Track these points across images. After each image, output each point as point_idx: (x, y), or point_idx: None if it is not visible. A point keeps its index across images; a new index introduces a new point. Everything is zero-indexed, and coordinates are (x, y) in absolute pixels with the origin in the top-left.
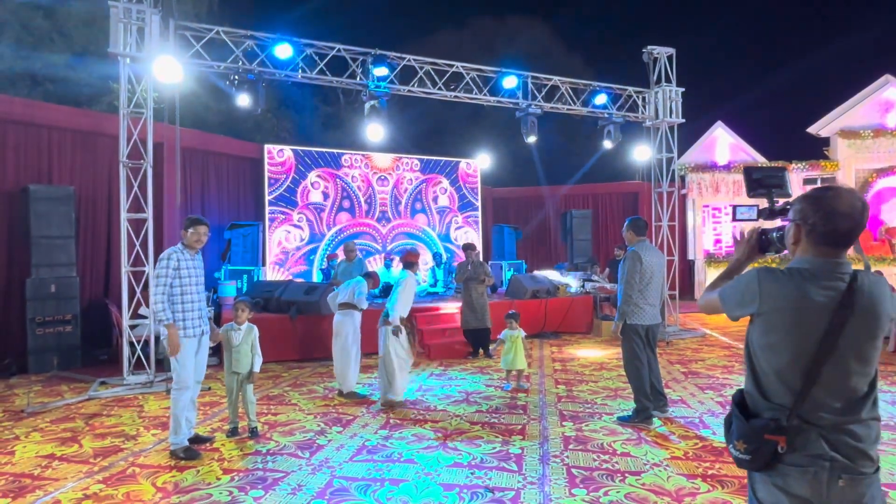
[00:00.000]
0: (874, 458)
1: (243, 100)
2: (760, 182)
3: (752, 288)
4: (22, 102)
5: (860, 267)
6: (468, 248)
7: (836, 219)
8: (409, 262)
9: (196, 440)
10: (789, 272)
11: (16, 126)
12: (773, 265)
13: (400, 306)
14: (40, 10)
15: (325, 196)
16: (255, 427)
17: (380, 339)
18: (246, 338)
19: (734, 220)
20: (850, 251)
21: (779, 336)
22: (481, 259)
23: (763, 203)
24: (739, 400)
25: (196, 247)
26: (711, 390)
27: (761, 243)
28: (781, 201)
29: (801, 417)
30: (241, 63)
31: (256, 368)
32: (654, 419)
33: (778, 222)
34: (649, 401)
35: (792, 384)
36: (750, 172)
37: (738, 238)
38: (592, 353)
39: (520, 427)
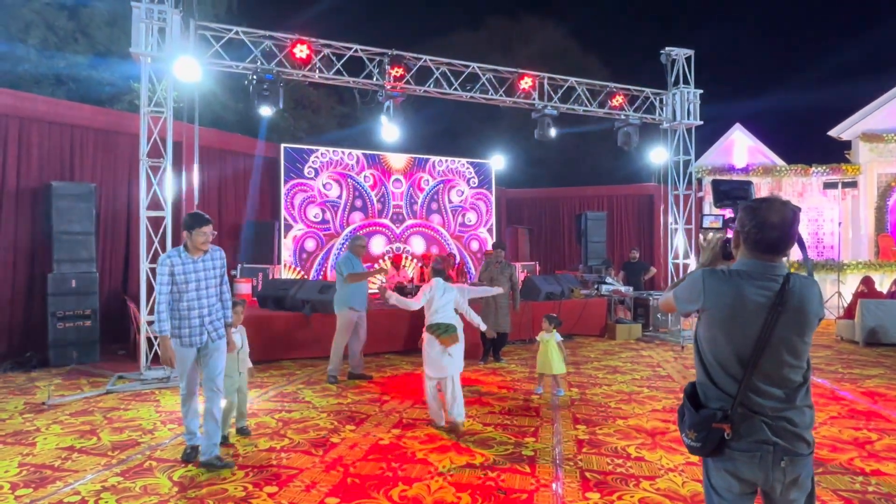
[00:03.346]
0: (810, 441)
1: (260, 101)
2: (727, 194)
3: (697, 286)
4: (45, 101)
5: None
6: (497, 247)
7: (766, 229)
8: (438, 269)
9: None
10: (729, 273)
11: (39, 124)
12: None
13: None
14: (65, 10)
15: (338, 195)
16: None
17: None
18: (243, 339)
19: (701, 227)
20: (790, 256)
21: (720, 330)
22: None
23: (729, 213)
24: (691, 392)
25: (203, 249)
26: None
27: (724, 250)
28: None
29: (746, 406)
30: (259, 63)
31: (250, 364)
32: None
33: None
34: None
35: (734, 374)
36: (718, 185)
37: (703, 245)
38: (606, 356)
39: (532, 429)
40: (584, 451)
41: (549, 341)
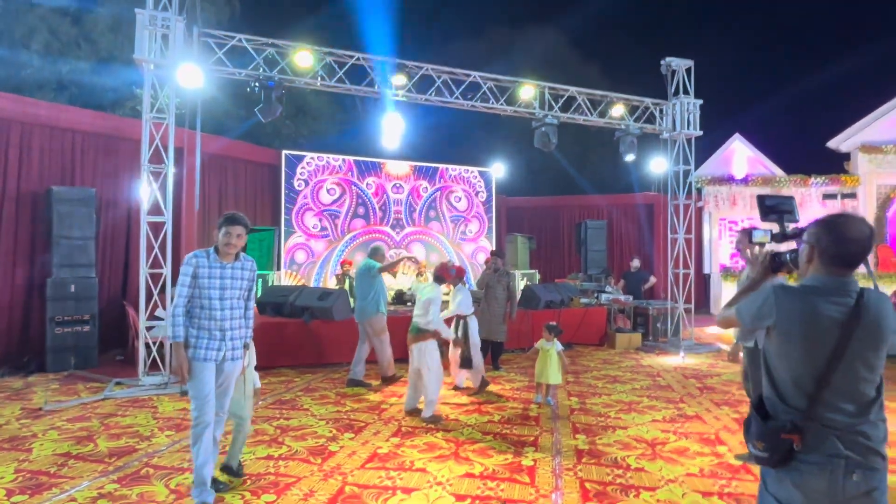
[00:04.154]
0: (884, 454)
1: (262, 108)
2: (773, 209)
3: (769, 303)
4: (47, 106)
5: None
6: (495, 255)
7: (846, 243)
8: (439, 276)
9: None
10: (802, 289)
11: (41, 129)
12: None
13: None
14: (68, 16)
15: (340, 203)
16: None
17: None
18: (252, 354)
19: (750, 241)
20: (862, 269)
21: (793, 346)
22: (508, 269)
23: (776, 227)
24: (758, 404)
25: (229, 251)
26: (727, 406)
27: (774, 264)
28: (792, 226)
29: (817, 420)
30: (261, 70)
31: (258, 384)
32: None
33: (785, 245)
34: None
35: (806, 389)
36: (763, 200)
37: (752, 260)
38: (605, 365)
39: (532, 438)
40: (583, 462)
41: (550, 350)
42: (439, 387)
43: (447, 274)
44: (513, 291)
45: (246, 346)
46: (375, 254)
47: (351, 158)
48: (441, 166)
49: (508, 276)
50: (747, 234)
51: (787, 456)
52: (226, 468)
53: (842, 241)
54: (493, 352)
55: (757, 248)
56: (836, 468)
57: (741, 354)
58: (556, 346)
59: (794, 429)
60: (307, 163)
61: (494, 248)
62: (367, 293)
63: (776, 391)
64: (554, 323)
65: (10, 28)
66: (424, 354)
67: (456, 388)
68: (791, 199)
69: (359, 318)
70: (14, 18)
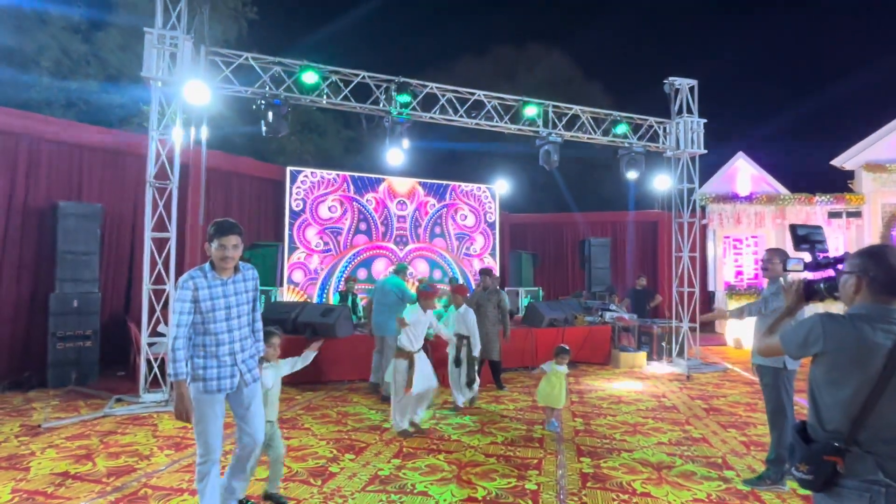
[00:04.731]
0: None
1: (268, 125)
2: (805, 238)
3: (816, 331)
4: (55, 122)
5: None
6: (483, 272)
7: (894, 272)
8: (419, 297)
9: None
10: (849, 317)
11: (49, 144)
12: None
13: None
14: (79, 34)
15: (342, 218)
16: (278, 495)
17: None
18: (277, 377)
19: (784, 270)
20: None
21: (841, 372)
22: (498, 286)
23: (808, 256)
24: (801, 429)
25: (225, 266)
26: (734, 429)
27: (807, 292)
28: (822, 255)
29: (859, 445)
30: (268, 88)
31: (273, 416)
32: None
33: (809, 273)
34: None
35: (850, 414)
36: (795, 229)
37: (786, 288)
38: (610, 385)
39: (536, 461)
40: (588, 486)
41: (561, 374)
42: (397, 402)
43: (463, 292)
44: (504, 309)
45: (260, 361)
46: (402, 272)
47: (353, 174)
48: (450, 183)
49: (498, 293)
50: (775, 254)
51: (830, 479)
52: (270, 497)
53: (891, 271)
54: (492, 370)
55: (789, 276)
56: (876, 495)
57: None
58: (566, 370)
59: (836, 451)
60: (308, 178)
61: (482, 268)
62: (393, 310)
63: (818, 416)
64: (564, 345)
65: (21, 45)
66: (395, 373)
67: (455, 407)
68: (820, 228)
69: (379, 333)
70: (26, 36)
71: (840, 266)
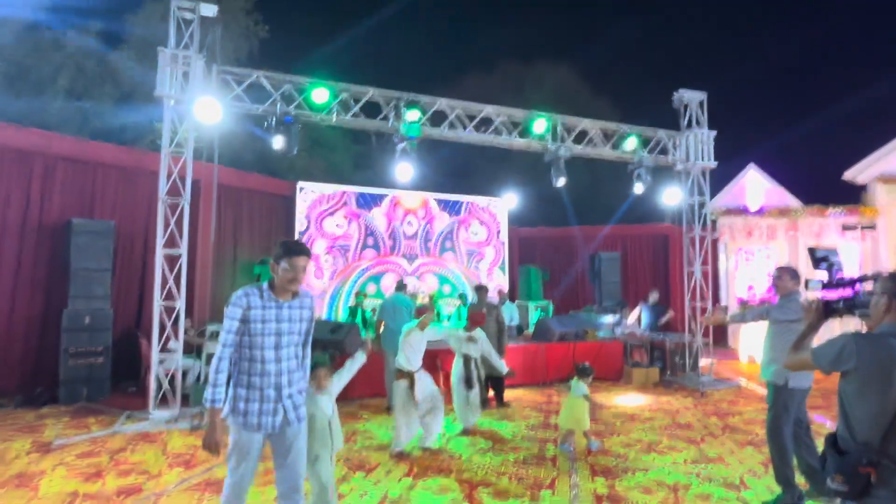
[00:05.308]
0: None
1: (278, 142)
2: (825, 259)
3: (849, 348)
4: (70, 140)
5: None
6: (479, 288)
7: None
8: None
9: None
10: (881, 336)
11: (64, 162)
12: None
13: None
14: (93, 55)
15: (348, 234)
16: None
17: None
18: (333, 400)
19: (807, 289)
20: None
21: (872, 387)
22: (496, 302)
23: (826, 277)
24: (833, 441)
25: (290, 288)
26: (752, 447)
27: (826, 311)
28: (838, 275)
29: (890, 457)
30: (279, 105)
31: (340, 444)
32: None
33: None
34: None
35: (882, 427)
36: (813, 252)
37: (806, 307)
38: (623, 401)
39: (549, 481)
40: None
41: (583, 396)
42: (400, 427)
43: (482, 320)
44: (502, 324)
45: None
46: (404, 289)
47: (362, 190)
48: (464, 198)
49: (496, 308)
50: (785, 271)
51: (865, 489)
52: None
53: None
54: (495, 388)
55: (809, 294)
56: None
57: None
58: (586, 390)
59: (870, 463)
60: (318, 194)
61: (477, 284)
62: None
63: (850, 430)
64: (586, 364)
65: (38, 66)
66: (395, 394)
67: (465, 431)
68: (836, 250)
69: (390, 348)
70: (42, 57)
71: (858, 286)
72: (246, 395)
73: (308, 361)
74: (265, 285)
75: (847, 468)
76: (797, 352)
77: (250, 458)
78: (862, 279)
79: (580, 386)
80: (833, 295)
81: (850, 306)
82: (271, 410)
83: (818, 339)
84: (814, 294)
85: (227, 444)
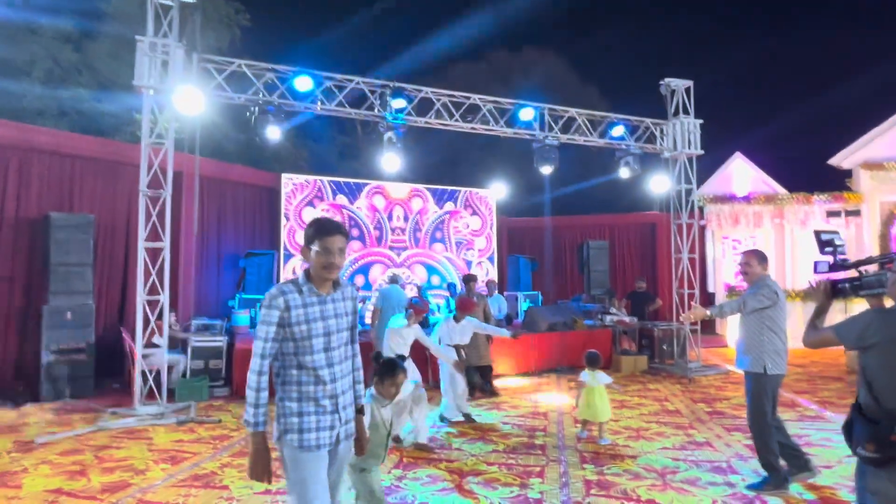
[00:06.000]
0: None
1: (273, 133)
2: (829, 243)
3: (874, 325)
4: (47, 132)
5: None
6: (468, 279)
7: None
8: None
9: None
10: None
11: (40, 155)
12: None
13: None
14: (70, 43)
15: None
16: None
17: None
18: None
19: (815, 272)
20: None
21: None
22: (484, 292)
23: (831, 259)
24: (858, 409)
25: (328, 276)
26: (738, 432)
27: (834, 291)
28: (840, 258)
29: None
30: (261, 95)
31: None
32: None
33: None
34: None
35: None
36: (819, 235)
37: (815, 288)
38: (612, 389)
39: (538, 469)
40: (592, 493)
41: (601, 386)
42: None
43: (471, 305)
44: (489, 314)
45: (360, 411)
46: (398, 281)
47: (348, 180)
48: (452, 188)
49: (484, 299)
50: (752, 256)
51: (894, 456)
52: None
53: None
54: (483, 377)
55: (816, 278)
56: None
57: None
58: (606, 378)
59: None
60: (303, 185)
61: (465, 275)
62: None
63: (875, 400)
64: (593, 351)
65: (13, 55)
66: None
67: (458, 420)
68: (838, 233)
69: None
70: (17, 46)
71: (865, 269)
72: (299, 409)
73: (359, 361)
74: (301, 278)
75: (879, 436)
76: (815, 331)
77: (319, 481)
78: (869, 261)
79: (599, 375)
80: (839, 276)
81: (855, 287)
82: (328, 424)
83: (796, 331)
84: (820, 276)
85: (276, 474)
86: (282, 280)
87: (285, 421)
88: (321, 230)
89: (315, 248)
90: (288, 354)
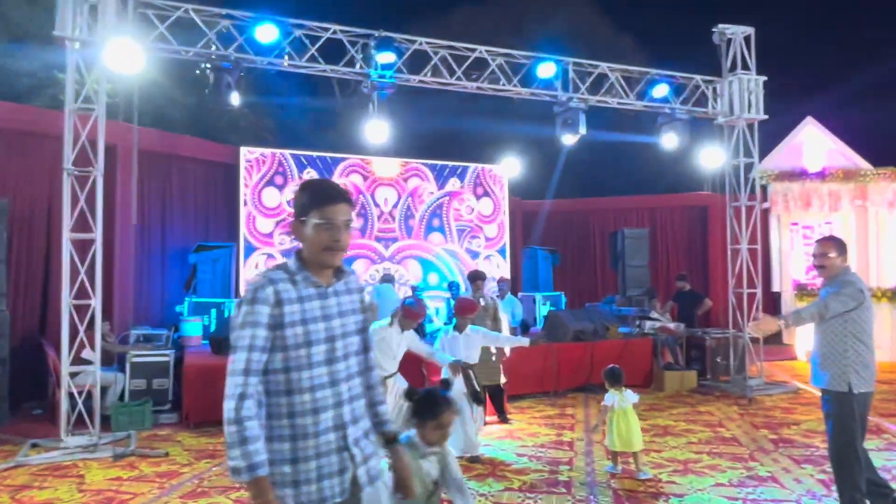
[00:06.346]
0: None
1: (234, 98)
2: None
3: None
4: None
5: None
6: (474, 277)
7: None
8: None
9: None
10: None
11: None
12: None
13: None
14: None
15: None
16: None
17: None
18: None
19: None
20: None
21: None
22: (494, 293)
23: None
24: None
25: (333, 261)
26: (810, 464)
27: None
28: None
29: None
30: (214, 48)
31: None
32: None
33: None
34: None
35: None
36: None
37: None
38: (653, 412)
39: None
40: None
41: (629, 408)
42: None
43: (472, 306)
44: (500, 321)
45: (394, 439)
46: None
47: (324, 154)
48: (440, 163)
49: (495, 302)
50: (832, 246)
51: None
52: None
53: None
54: (494, 400)
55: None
56: None
57: None
58: (634, 397)
59: None
60: (260, 160)
61: (471, 272)
62: None
63: None
64: (615, 367)
65: None
66: None
67: (472, 458)
68: None
69: None
70: None
71: None
72: (292, 450)
73: (376, 374)
74: (293, 263)
75: None
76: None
77: None
78: None
79: (627, 393)
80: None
81: None
82: (336, 467)
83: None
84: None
85: None
86: (241, 276)
87: (273, 471)
88: (320, 196)
89: (314, 220)
90: (277, 371)
